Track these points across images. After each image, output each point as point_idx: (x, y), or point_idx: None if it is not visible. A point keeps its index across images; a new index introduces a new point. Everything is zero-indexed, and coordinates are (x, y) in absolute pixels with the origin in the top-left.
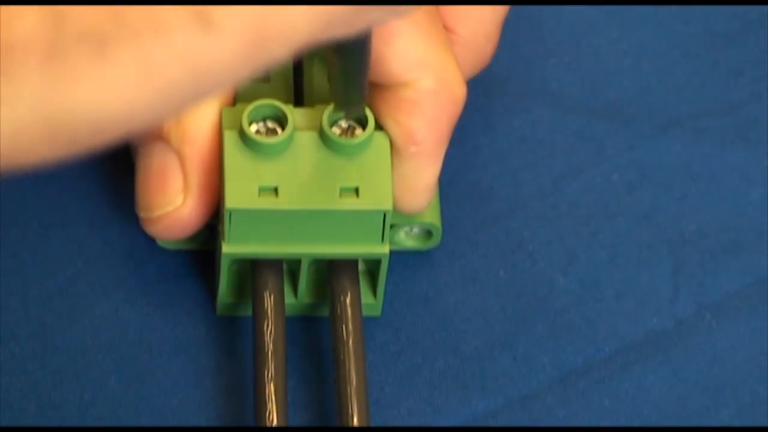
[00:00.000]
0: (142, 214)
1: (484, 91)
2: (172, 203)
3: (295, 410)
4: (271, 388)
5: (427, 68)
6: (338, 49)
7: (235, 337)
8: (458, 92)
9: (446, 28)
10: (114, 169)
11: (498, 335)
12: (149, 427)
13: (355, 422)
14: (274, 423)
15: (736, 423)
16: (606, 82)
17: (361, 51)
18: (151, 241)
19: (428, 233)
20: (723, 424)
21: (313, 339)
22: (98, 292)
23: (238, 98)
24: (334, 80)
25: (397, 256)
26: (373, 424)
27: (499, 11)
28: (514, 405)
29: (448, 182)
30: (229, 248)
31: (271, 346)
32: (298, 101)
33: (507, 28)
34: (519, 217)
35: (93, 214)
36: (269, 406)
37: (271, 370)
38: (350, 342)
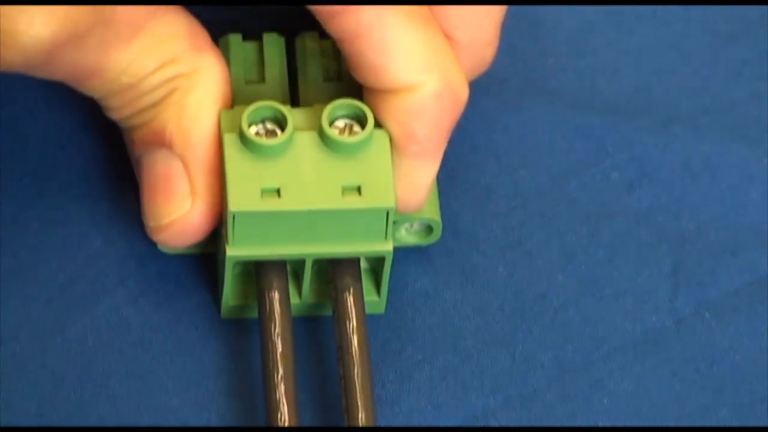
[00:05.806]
0: (151, 223)
1: (484, 89)
2: (181, 208)
3: (303, 410)
4: (281, 390)
5: (430, 71)
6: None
7: (236, 336)
8: (461, 93)
9: (444, 35)
10: (114, 169)
11: (497, 333)
12: (149, 427)
13: (363, 419)
14: (286, 424)
15: (735, 422)
16: (605, 80)
17: None
18: (151, 240)
19: (428, 229)
20: (722, 423)
21: (318, 339)
22: (99, 292)
23: (235, 101)
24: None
25: (396, 253)
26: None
27: (496, 15)
28: (514, 403)
29: (447, 180)
30: (233, 251)
31: (279, 347)
32: (294, 102)
33: (506, 27)
34: (518, 216)
35: (93, 213)
36: (281, 408)
37: (280, 371)
38: (355, 339)
